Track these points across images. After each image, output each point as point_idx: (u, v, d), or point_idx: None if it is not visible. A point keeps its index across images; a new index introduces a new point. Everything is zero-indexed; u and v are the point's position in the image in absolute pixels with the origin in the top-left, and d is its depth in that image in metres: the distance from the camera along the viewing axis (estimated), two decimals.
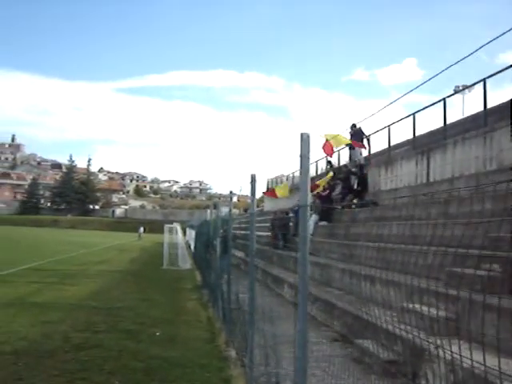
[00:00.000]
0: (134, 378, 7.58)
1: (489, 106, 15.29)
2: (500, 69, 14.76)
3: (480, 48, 2.99)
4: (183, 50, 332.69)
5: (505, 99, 15.05)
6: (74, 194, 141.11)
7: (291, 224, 21.83)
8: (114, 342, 9.79)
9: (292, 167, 58.03)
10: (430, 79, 3.36)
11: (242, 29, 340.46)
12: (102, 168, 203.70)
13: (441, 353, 4.21)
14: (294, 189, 26.30)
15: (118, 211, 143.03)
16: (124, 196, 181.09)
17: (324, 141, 19.16)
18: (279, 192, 16.66)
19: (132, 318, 12.44)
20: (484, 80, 15.01)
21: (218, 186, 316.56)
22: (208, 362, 8.52)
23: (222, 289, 11.43)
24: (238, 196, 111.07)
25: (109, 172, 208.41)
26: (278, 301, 14.13)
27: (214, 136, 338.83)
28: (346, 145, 22.65)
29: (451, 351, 3.49)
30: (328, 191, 21.57)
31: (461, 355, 3.27)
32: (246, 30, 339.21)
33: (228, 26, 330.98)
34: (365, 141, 23.75)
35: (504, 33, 2.74)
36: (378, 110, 3.95)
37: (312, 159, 4.23)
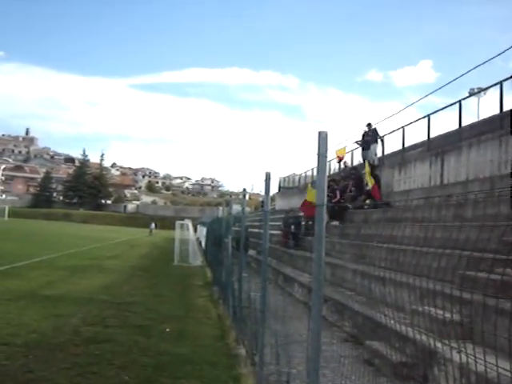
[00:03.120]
0: (143, 373, 7.59)
1: (504, 109, 15.19)
2: None
3: (498, 55, 2.97)
4: (199, 48, 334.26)
5: None
6: (87, 189, 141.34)
7: (303, 223, 21.81)
8: (124, 336, 9.81)
9: (304, 166, 57.95)
10: (447, 84, 3.34)
11: (259, 27, 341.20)
12: (114, 163, 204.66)
13: (452, 356, 4.19)
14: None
15: (130, 206, 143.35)
16: (136, 191, 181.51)
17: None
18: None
19: (142, 313, 12.47)
20: (501, 83, 14.92)
21: (230, 184, 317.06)
22: (218, 360, 8.52)
23: (232, 286, 11.44)
24: (250, 194, 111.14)
25: (121, 167, 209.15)
26: (288, 300, 14.14)
27: (226, 134, 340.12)
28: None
29: (465, 353, 3.47)
30: (339, 194, 21.51)
31: (475, 358, 3.25)
32: (262, 29, 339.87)
33: (245, 24, 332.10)
34: (379, 141, 23.77)
35: None
36: (395, 112, 3.94)
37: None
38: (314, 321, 3.93)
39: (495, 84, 15.43)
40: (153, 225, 78.51)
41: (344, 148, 24.70)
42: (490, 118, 17.17)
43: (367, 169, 20.25)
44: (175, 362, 8.29)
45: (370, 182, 19.71)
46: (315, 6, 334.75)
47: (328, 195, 19.90)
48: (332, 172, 32.97)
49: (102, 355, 8.39)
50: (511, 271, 6.32)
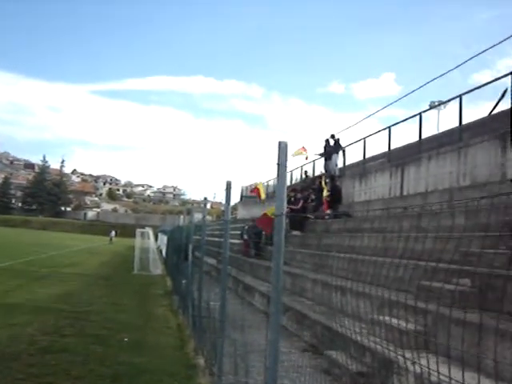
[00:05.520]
0: (100, 383, 7.49)
1: (464, 122, 15.51)
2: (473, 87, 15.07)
3: (455, 68, 3.04)
4: (163, 56, 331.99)
5: (479, 116, 15.33)
6: (46, 195, 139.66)
7: (264, 233, 21.79)
8: (81, 346, 9.67)
9: (267, 176, 58.15)
10: (406, 95, 3.41)
11: (225, 36, 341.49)
12: (75, 170, 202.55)
13: (409, 366, 4.23)
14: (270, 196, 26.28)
15: (90, 214, 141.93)
16: (96, 199, 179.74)
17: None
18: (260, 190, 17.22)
19: (101, 322, 12.31)
20: (460, 96, 15.22)
21: (192, 192, 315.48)
22: (176, 370, 8.45)
23: (192, 296, 11.37)
24: (212, 203, 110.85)
25: (82, 174, 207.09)
26: (248, 309, 14.10)
27: (189, 142, 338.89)
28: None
29: (419, 365, 3.50)
30: (302, 202, 21.60)
31: (428, 369, 3.28)
32: (228, 38, 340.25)
33: (210, 34, 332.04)
34: (340, 153, 24.03)
35: (477, 54, 2.78)
36: (356, 122, 3.98)
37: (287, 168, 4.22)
38: (272, 330, 3.93)
39: (455, 97, 15.73)
40: (113, 233, 77.77)
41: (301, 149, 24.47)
42: (449, 130, 17.49)
43: (323, 183, 20.69)
44: (133, 372, 8.19)
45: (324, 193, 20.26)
46: (280, 17, 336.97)
47: (290, 202, 20.12)
48: (294, 182, 33.18)
49: (58, 365, 8.25)
50: (467, 281, 6.43)
